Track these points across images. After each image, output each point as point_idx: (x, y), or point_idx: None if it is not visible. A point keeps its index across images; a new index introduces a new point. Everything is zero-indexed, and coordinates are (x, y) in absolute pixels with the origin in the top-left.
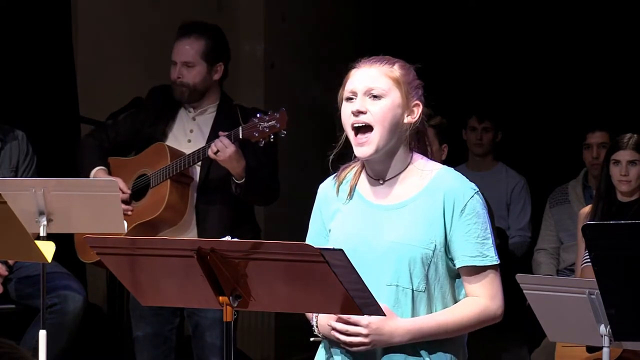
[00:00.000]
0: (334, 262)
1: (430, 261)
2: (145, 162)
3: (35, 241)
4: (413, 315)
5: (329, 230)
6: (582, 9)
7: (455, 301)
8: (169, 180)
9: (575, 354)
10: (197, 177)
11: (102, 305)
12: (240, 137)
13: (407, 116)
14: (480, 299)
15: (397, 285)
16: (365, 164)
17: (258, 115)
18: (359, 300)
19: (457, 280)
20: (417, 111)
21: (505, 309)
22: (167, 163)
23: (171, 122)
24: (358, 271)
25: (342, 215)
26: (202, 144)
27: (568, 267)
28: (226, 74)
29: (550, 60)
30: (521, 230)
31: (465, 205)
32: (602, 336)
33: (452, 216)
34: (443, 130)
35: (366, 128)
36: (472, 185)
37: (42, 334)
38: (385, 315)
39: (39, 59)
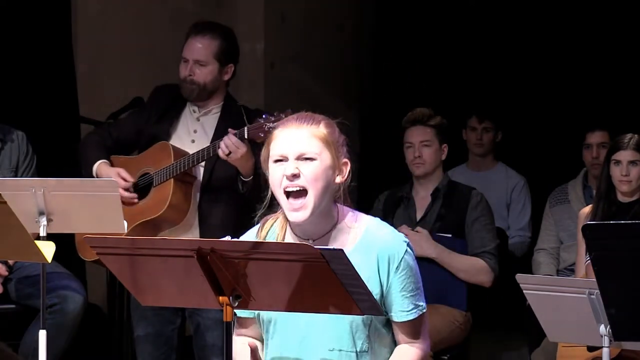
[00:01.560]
0: (334, 262)
1: (371, 320)
2: (148, 160)
3: (35, 241)
4: None
5: None
6: (582, 9)
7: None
8: (172, 179)
9: (576, 354)
10: (200, 177)
11: (102, 305)
12: (246, 137)
13: (338, 175)
14: (414, 347)
15: (340, 350)
16: (291, 224)
17: (264, 115)
18: (359, 300)
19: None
20: (346, 169)
21: (505, 309)
22: (171, 162)
23: (175, 122)
24: (297, 337)
25: None
26: (206, 144)
27: (568, 267)
28: (234, 75)
29: (550, 60)
30: (521, 230)
31: (400, 261)
32: (602, 336)
33: (388, 273)
34: (443, 130)
35: (299, 192)
36: (403, 237)
37: (42, 334)
38: (385, 314)
39: (39, 60)
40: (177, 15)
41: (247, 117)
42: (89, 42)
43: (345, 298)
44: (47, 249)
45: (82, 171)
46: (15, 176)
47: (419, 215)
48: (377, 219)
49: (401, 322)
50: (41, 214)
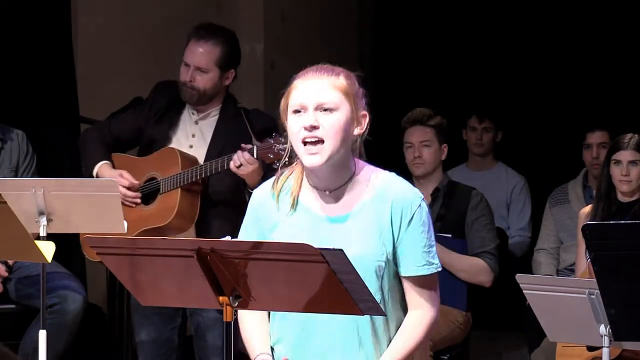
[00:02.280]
0: (334, 262)
1: (383, 272)
2: (154, 165)
3: (35, 241)
4: (372, 329)
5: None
6: (582, 9)
7: (406, 306)
8: (179, 188)
9: (575, 354)
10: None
11: (102, 305)
12: (255, 157)
13: (356, 127)
14: (424, 312)
15: None
16: (308, 174)
17: (274, 135)
18: (359, 300)
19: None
20: (365, 122)
21: (505, 309)
22: (178, 169)
23: (174, 125)
24: None
25: (286, 228)
26: (204, 149)
27: (568, 267)
28: (235, 79)
29: (550, 60)
30: (521, 230)
31: (413, 214)
32: (602, 336)
33: (400, 225)
34: (443, 130)
35: (317, 141)
36: (418, 192)
37: (42, 334)
38: (385, 315)
39: (39, 59)
40: (177, 15)
41: (247, 119)
42: (89, 42)
43: (345, 298)
44: (47, 249)
45: (82, 167)
46: (16, 176)
47: None
48: (394, 174)
49: (411, 277)
50: (41, 214)
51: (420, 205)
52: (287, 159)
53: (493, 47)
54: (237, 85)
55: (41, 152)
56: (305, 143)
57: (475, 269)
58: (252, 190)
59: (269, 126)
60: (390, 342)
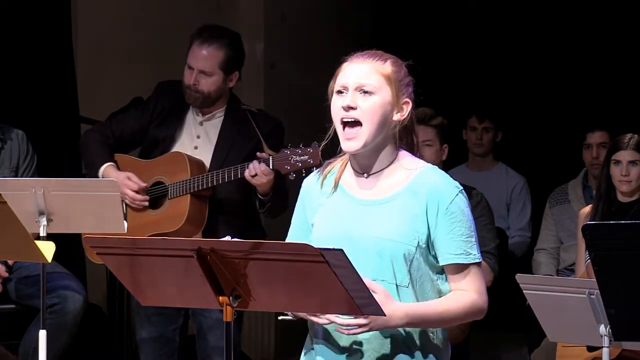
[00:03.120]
0: (334, 262)
1: (413, 257)
2: (161, 169)
3: (35, 241)
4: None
5: (312, 225)
6: (582, 9)
7: (439, 297)
8: (189, 194)
9: (576, 354)
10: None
11: (102, 305)
12: (271, 167)
13: (397, 113)
14: (469, 292)
15: (383, 280)
16: (350, 158)
17: (290, 146)
18: (359, 300)
19: (439, 276)
20: (407, 109)
21: (505, 309)
22: (187, 174)
23: (178, 126)
24: None
25: (325, 210)
26: (210, 150)
27: (568, 267)
28: (239, 80)
29: (550, 60)
30: (521, 230)
31: (450, 203)
32: (601, 336)
33: (437, 214)
34: (443, 130)
35: (355, 123)
36: (456, 183)
37: (42, 334)
38: (385, 315)
39: (39, 59)
40: (178, 15)
41: (254, 122)
42: (89, 42)
43: (346, 298)
44: (47, 249)
45: (83, 168)
46: (16, 176)
47: None
48: (435, 166)
49: (449, 266)
50: (41, 214)
51: (457, 195)
52: (328, 142)
53: (493, 47)
54: (237, 85)
55: (41, 152)
56: (344, 126)
57: None
58: (262, 196)
59: (276, 129)
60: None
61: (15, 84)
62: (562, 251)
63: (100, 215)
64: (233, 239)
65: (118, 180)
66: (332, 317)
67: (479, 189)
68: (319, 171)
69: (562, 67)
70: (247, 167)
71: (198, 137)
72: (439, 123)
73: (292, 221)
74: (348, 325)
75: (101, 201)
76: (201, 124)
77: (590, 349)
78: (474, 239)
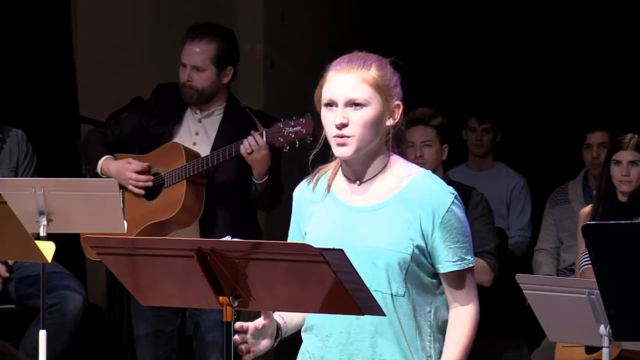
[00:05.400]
0: (334, 262)
1: (408, 265)
2: (158, 161)
3: (35, 241)
4: (397, 319)
5: (305, 234)
6: (582, 9)
7: (434, 307)
8: (185, 181)
9: (575, 354)
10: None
11: (102, 305)
12: (265, 140)
13: (389, 119)
14: (468, 307)
15: (376, 290)
16: (342, 164)
17: (282, 119)
18: (359, 300)
19: (433, 282)
20: (398, 112)
21: (505, 309)
22: (183, 163)
23: (177, 123)
24: None
25: (316, 218)
26: (208, 147)
27: (568, 267)
28: (235, 76)
29: (550, 60)
30: (521, 230)
31: (446, 212)
32: (601, 336)
33: (433, 223)
34: (444, 130)
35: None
36: (451, 189)
37: (42, 334)
38: (385, 315)
39: (39, 59)
40: (177, 15)
41: (256, 118)
42: (89, 42)
43: (346, 298)
44: (47, 249)
45: (84, 168)
46: (16, 176)
47: None
48: (428, 171)
49: (446, 274)
50: (41, 214)
51: (452, 201)
52: (320, 147)
53: (493, 47)
54: (237, 85)
55: (41, 152)
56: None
57: (475, 268)
58: (258, 181)
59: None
60: (416, 329)
61: (15, 83)
62: (562, 251)
63: (100, 215)
64: (233, 239)
65: (118, 166)
66: None
67: (479, 189)
68: (308, 179)
69: (562, 67)
70: (242, 144)
71: (197, 133)
72: (439, 123)
73: (289, 232)
74: None
75: (101, 201)
76: (200, 121)
77: (589, 351)
78: (468, 244)
